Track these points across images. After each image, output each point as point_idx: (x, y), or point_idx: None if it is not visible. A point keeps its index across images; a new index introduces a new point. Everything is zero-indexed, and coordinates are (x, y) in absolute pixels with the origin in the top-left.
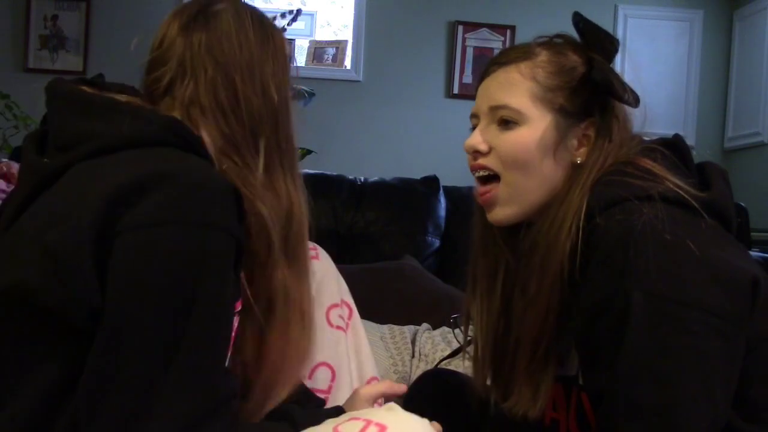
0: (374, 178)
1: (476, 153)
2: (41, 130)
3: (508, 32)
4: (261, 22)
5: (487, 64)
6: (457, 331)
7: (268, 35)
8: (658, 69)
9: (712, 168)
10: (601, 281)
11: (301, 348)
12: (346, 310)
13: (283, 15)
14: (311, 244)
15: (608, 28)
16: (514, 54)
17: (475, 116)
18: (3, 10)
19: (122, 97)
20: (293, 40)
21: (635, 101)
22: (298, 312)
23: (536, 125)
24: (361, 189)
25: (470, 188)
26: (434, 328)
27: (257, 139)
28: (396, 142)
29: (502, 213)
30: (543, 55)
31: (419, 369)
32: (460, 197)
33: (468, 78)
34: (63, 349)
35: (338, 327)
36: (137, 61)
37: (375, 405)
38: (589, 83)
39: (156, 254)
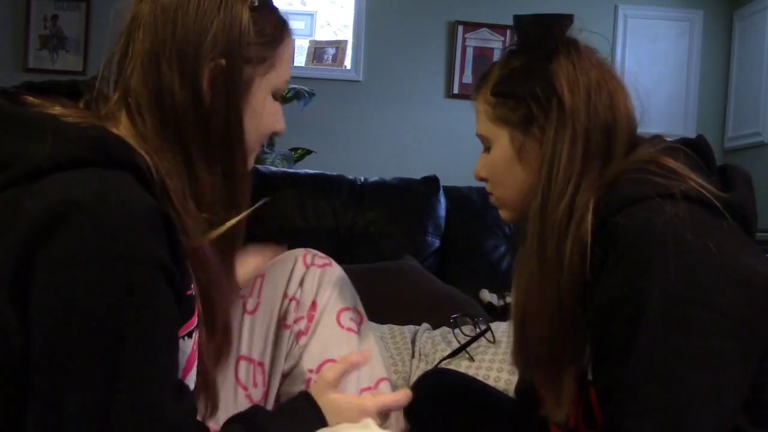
0: (374, 178)
1: (481, 180)
2: None
3: (508, 32)
4: None
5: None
6: (457, 330)
7: (219, 6)
8: (658, 69)
9: (735, 170)
10: (618, 278)
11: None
12: (358, 316)
13: None
14: (321, 255)
15: (608, 28)
16: (480, 80)
17: None
18: (3, 10)
19: (57, 109)
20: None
21: (555, 95)
22: (219, 319)
23: (499, 143)
24: (361, 189)
25: (470, 188)
26: (434, 328)
27: (180, 136)
28: (396, 142)
29: (504, 215)
30: (495, 72)
31: (419, 369)
32: (460, 197)
33: (468, 78)
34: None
35: (349, 329)
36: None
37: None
38: (496, 95)
39: (79, 295)
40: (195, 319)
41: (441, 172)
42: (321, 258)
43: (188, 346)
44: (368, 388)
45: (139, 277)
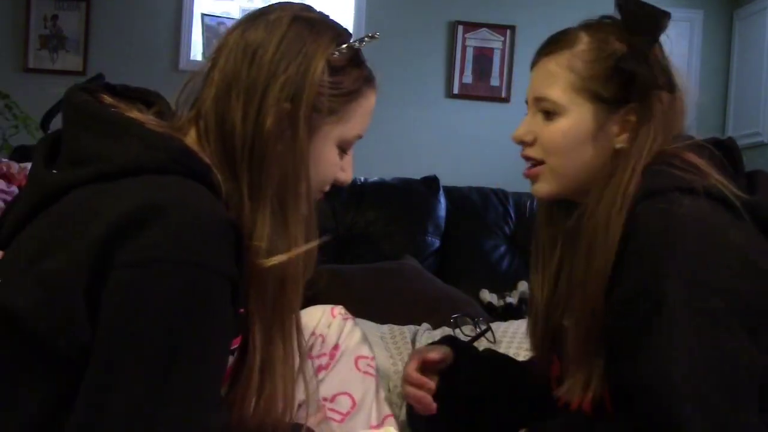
0: (374, 178)
1: (523, 143)
2: (54, 135)
3: (508, 32)
4: (303, 30)
5: (536, 51)
6: (457, 330)
7: (298, 49)
8: None
9: (763, 175)
10: (638, 267)
11: (285, 393)
12: (374, 363)
13: (361, 41)
14: (340, 309)
15: None
16: (556, 42)
17: (527, 102)
18: (3, 10)
19: (137, 114)
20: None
21: (669, 86)
22: (278, 370)
23: (575, 115)
24: (361, 189)
25: (470, 188)
26: (434, 328)
27: (235, 169)
28: (396, 142)
29: (542, 188)
30: (583, 43)
31: None
32: (460, 197)
33: (468, 78)
34: (47, 379)
35: (365, 372)
36: (138, 61)
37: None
38: (620, 70)
39: (148, 294)
40: (240, 340)
41: (441, 172)
42: (346, 313)
43: (228, 362)
44: (376, 426)
45: (208, 285)
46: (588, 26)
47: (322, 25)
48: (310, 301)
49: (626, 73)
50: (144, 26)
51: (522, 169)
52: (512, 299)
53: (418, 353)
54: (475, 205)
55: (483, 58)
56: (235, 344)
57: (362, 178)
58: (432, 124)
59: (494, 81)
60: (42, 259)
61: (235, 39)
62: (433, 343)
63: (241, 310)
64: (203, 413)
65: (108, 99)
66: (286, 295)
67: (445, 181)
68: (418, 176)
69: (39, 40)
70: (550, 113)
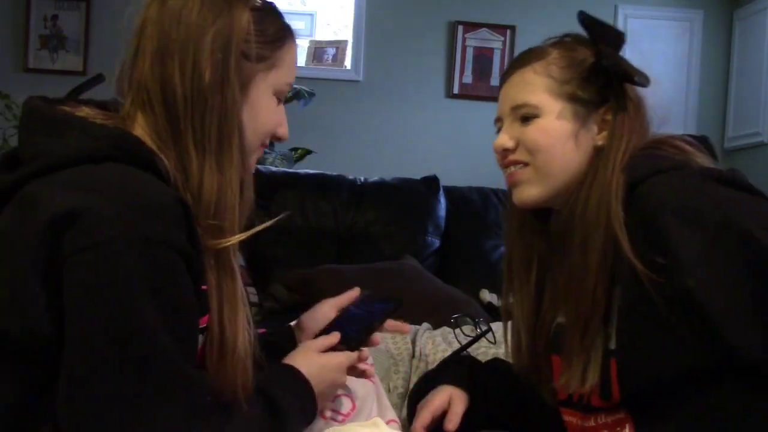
0: (374, 178)
1: (505, 151)
2: (16, 148)
3: (508, 32)
4: None
5: (505, 70)
6: (457, 330)
7: (221, 5)
8: (658, 69)
9: (738, 171)
10: (689, 240)
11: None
12: (373, 369)
13: None
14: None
15: None
16: (528, 56)
17: (498, 120)
18: (3, 10)
19: (82, 111)
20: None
21: (646, 80)
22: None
23: (555, 115)
24: (361, 189)
25: (470, 188)
26: (434, 328)
27: (178, 125)
28: (396, 142)
29: (526, 193)
30: (554, 54)
31: (419, 369)
32: (460, 197)
33: (468, 78)
34: (14, 372)
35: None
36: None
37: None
38: (600, 71)
39: (106, 273)
40: (207, 319)
41: (441, 172)
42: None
43: (198, 342)
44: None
45: (161, 257)
46: (553, 43)
47: None
48: (309, 302)
49: (601, 74)
50: None
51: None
52: None
53: (428, 407)
54: (475, 205)
55: (483, 58)
56: (203, 323)
57: (362, 178)
58: (432, 124)
59: (494, 81)
60: (4, 258)
61: (156, 9)
62: (444, 369)
63: (204, 287)
64: (189, 378)
65: (64, 106)
66: (228, 252)
67: (445, 181)
68: (418, 176)
69: (39, 40)
70: (529, 118)
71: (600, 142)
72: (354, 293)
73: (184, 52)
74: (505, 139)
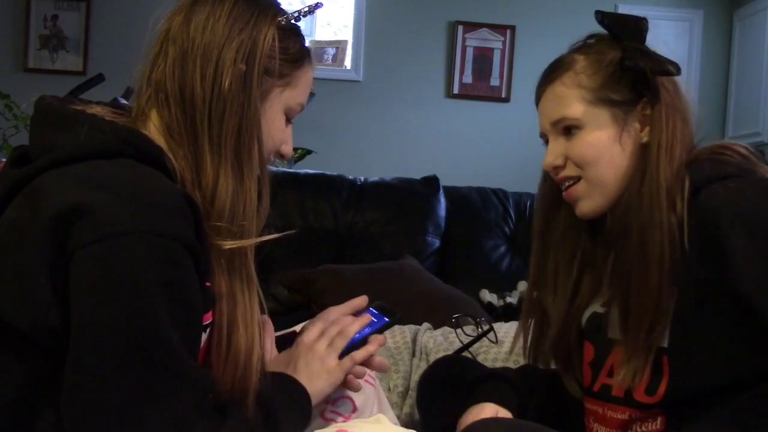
0: (374, 178)
1: (556, 168)
2: (27, 144)
3: (508, 32)
4: (248, 5)
5: (537, 86)
6: (458, 330)
7: (247, 19)
8: None
9: None
10: (727, 236)
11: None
12: (373, 373)
13: (302, 12)
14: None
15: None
16: (556, 70)
17: (543, 135)
18: (3, 10)
19: (92, 108)
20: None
21: (677, 69)
22: (241, 321)
23: (596, 124)
24: (361, 189)
25: (470, 188)
26: (434, 328)
27: (195, 126)
28: (396, 142)
29: (587, 206)
30: (581, 61)
31: (420, 368)
32: (460, 197)
33: (468, 78)
34: (21, 362)
35: (365, 381)
36: (137, 61)
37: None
38: (629, 68)
39: (113, 266)
40: (211, 316)
41: (441, 172)
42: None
43: (201, 339)
44: None
45: (170, 251)
46: (578, 48)
47: (264, 1)
48: (310, 301)
49: (631, 71)
50: (144, 26)
51: (523, 168)
52: (512, 299)
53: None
54: (475, 205)
55: (483, 58)
56: (207, 320)
57: (362, 178)
58: (432, 124)
59: (494, 81)
60: (13, 251)
61: (183, 16)
62: (481, 384)
63: (208, 284)
64: (192, 371)
65: (76, 103)
66: (244, 257)
67: (445, 181)
68: (418, 176)
69: (39, 40)
70: (571, 130)
71: (645, 139)
72: (361, 302)
73: (207, 57)
74: (552, 158)
